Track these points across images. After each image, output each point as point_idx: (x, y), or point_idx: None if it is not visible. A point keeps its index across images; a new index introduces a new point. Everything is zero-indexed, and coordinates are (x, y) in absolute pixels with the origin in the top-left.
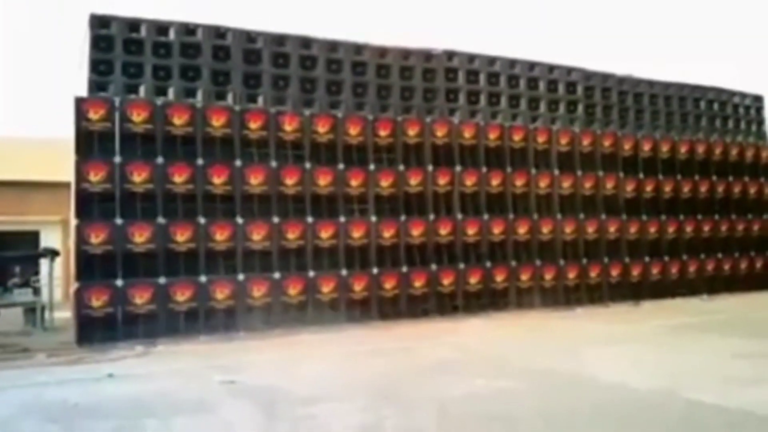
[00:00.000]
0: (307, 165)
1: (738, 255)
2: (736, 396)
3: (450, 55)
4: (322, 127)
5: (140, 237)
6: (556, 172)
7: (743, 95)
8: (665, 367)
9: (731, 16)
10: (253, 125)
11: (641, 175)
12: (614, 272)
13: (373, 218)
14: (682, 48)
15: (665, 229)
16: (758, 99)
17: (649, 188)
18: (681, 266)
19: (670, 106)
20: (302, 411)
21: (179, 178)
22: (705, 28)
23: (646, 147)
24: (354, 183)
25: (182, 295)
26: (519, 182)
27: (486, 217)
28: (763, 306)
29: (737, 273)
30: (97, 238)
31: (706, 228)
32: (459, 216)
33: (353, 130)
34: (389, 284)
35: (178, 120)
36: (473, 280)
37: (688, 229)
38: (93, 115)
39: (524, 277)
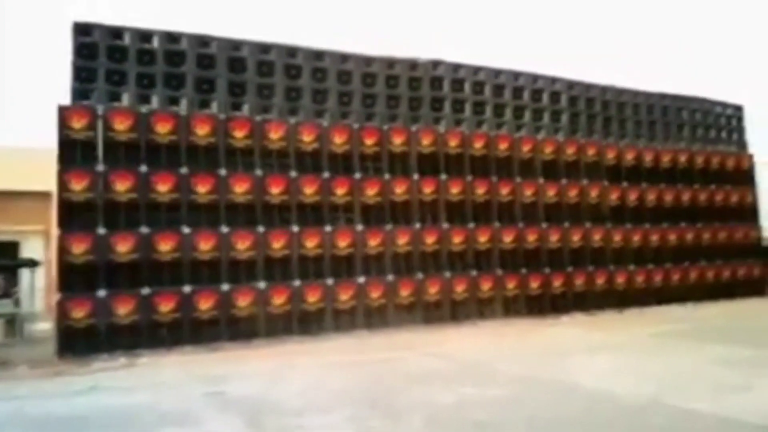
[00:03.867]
0: (293, 174)
1: (721, 263)
2: (721, 403)
3: (435, 64)
4: (307, 136)
5: (123, 247)
6: (541, 180)
7: (724, 105)
8: (650, 375)
9: (712, 27)
10: (238, 134)
11: (625, 184)
12: (599, 280)
13: (359, 227)
14: (664, 58)
15: (649, 237)
16: (738, 108)
17: (632, 197)
18: (665, 274)
19: (652, 115)
20: (289, 422)
21: (163, 187)
22: (686, 38)
23: (630, 156)
24: (339, 192)
25: (166, 306)
26: (504, 191)
27: (472, 225)
28: (746, 313)
29: (721, 281)
30: (79, 248)
31: (690, 236)
32: (445, 225)
33: (339, 139)
34: (375, 293)
35: (162, 128)
36: (459, 288)
37: (672, 237)
38: (76, 124)
39: (510, 285)
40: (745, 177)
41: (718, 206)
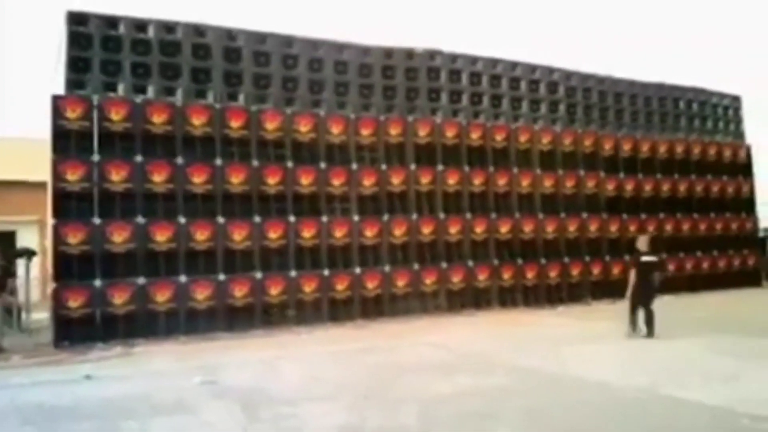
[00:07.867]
0: (289, 164)
1: (717, 253)
2: (715, 392)
3: (432, 54)
4: (303, 126)
5: (119, 237)
6: (538, 171)
7: (722, 95)
8: (644, 365)
9: (709, 17)
10: (234, 124)
11: (622, 175)
12: (595, 270)
13: (356, 217)
14: (661, 48)
15: (645, 227)
16: (736, 99)
17: (629, 187)
18: None
19: (649, 106)
20: (284, 411)
21: (159, 177)
22: (684, 28)
23: (627, 146)
24: (336, 182)
25: (162, 296)
26: (501, 181)
27: (468, 216)
28: (741, 303)
29: (716, 270)
30: (74, 238)
31: (685, 227)
32: (441, 215)
33: (335, 129)
34: (372, 284)
35: (158, 118)
36: (456, 279)
37: (668, 227)
38: (70, 114)
39: (506, 275)
40: (741, 167)
41: (715, 197)
